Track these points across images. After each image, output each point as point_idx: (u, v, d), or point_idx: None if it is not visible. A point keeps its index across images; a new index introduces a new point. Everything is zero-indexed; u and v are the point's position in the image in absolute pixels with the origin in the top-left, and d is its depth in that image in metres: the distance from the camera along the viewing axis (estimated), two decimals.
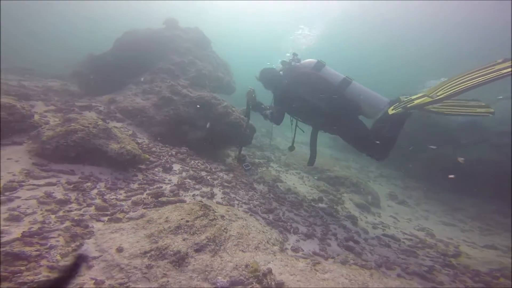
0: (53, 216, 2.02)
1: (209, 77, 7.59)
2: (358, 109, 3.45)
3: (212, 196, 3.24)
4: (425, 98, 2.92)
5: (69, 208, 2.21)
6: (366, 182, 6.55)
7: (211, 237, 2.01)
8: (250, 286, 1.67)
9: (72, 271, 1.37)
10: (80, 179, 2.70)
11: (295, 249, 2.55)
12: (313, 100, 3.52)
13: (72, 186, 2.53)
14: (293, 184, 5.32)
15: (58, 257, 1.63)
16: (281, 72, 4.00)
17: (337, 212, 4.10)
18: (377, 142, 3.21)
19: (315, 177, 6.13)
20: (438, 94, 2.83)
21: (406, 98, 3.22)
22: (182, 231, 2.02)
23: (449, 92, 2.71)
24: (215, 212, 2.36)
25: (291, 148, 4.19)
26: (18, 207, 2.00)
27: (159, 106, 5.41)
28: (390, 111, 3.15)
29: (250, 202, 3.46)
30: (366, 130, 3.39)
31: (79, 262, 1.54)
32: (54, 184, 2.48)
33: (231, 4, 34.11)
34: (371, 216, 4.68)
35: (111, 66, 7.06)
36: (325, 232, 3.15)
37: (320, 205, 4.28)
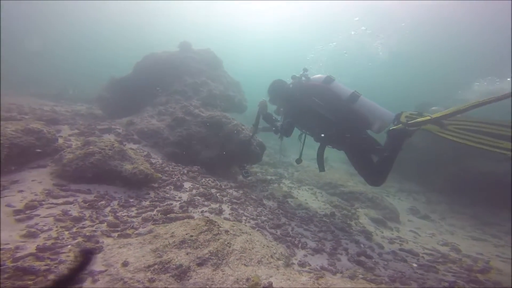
0: (66, 232, 2.16)
1: (220, 96, 7.90)
2: (366, 123, 3.49)
3: (220, 212, 3.28)
4: (427, 117, 2.89)
5: (83, 225, 2.35)
6: (383, 196, 6.27)
7: (214, 251, 2.03)
8: None
9: (81, 267, 1.42)
10: (95, 198, 2.87)
11: (301, 264, 2.49)
12: (323, 111, 3.60)
13: (87, 204, 2.70)
14: (305, 200, 5.23)
15: (66, 272, 1.73)
16: (291, 86, 4.13)
17: (350, 227, 3.95)
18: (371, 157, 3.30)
19: (328, 192, 5.99)
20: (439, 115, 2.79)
21: (411, 113, 3.17)
22: (186, 245, 2.07)
23: (449, 111, 2.68)
24: (220, 227, 2.39)
25: (298, 161, 4.19)
26: (36, 224, 2.16)
27: (172, 126, 5.70)
28: (392, 127, 3.19)
29: (258, 217, 3.45)
30: (372, 145, 3.40)
31: (88, 257, 1.60)
32: (71, 203, 2.66)
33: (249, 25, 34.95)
34: (388, 231, 4.44)
35: (132, 89, 7.63)
36: (335, 247, 3.04)
37: (332, 220, 4.15)
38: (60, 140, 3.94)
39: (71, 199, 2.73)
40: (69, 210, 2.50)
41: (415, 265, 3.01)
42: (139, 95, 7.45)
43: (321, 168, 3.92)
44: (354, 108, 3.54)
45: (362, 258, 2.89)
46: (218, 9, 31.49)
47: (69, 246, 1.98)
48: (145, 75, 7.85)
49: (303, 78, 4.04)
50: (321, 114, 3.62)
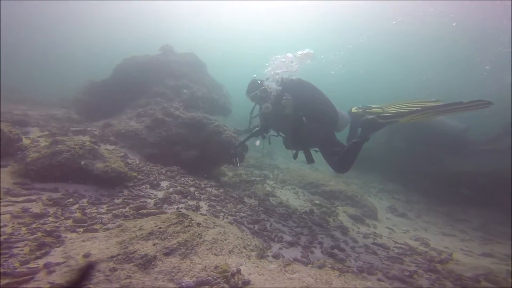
0: (24, 228, 2.04)
1: (203, 99, 7.89)
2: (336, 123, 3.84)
3: (197, 209, 3.23)
4: (379, 109, 3.60)
5: (45, 221, 2.24)
6: (363, 195, 6.42)
7: (183, 241, 2.00)
8: (217, 286, 1.63)
9: (80, 280, 1.37)
10: (62, 196, 2.75)
11: (275, 256, 2.49)
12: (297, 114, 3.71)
13: (52, 202, 2.58)
14: (287, 198, 5.25)
15: (17, 264, 1.63)
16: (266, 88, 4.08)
17: (328, 223, 4.01)
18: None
19: (310, 192, 6.06)
20: (389, 110, 3.57)
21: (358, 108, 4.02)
22: (154, 237, 2.01)
23: (396, 111, 3.43)
24: (192, 220, 2.35)
25: (295, 156, 4.10)
26: None
27: (151, 128, 5.60)
28: (353, 110, 3.79)
29: (237, 214, 3.42)
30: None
31: (88, 271, 1.53)
32: (33, 201, 2.52)
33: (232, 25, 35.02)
34: (365, 227, 4.54)
35: (111, 93, 7.44)
36: (311, 241, 3.07)
37: (311, 216, 4.19)
38: (27, 141, 3.76)
39: (34, 197, 2.59)
40: (30, 208, 2.37)
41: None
42: (119, 99, 7.28)
43: (311, 159, 3.91)
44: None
45: (335, 251, 2.93)
46: (204, 12, 31.67)
47: (25, 241, 1.88)
48: (125, 78, 7.71)
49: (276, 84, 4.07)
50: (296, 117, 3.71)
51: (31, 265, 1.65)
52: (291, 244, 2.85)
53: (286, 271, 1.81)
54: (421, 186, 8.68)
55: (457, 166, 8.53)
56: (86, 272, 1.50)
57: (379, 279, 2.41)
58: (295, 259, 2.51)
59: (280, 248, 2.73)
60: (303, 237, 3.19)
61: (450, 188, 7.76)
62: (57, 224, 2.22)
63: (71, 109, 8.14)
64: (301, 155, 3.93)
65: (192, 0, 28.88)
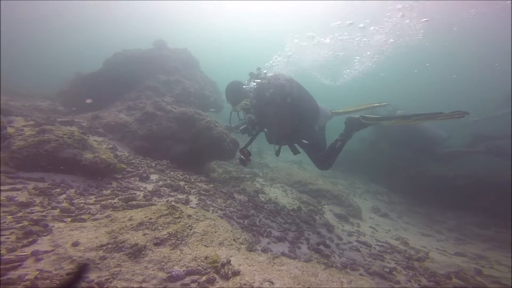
0: (9, 216, 2.00)
1: (195, 95, 7.84)
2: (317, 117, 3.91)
3: (186, 202, 3.24)
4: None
5: (31, 210, 2.20)
6: (348, 195, 6.61)
7: (173, 232, 2.02)
8: (207, 275, 1.67)
9: (74, 281, 1.36)
10: (49, 185, 2.69)
11: (264, 250, 2.55)
12: (280, 108, 3.63)
13: (38, 191, 2.52)
14: (276, 196, 5.33)
15: (3, 252, 1.61)
16: (247, 87, 4.03)
17: (315, 220, 4.12)
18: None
19: (298, 190, 6.17)
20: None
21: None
22: (144, 227, 2.03)
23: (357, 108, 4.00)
24: (182, 212, 2.38)
25: (277, 153, 4.02)
26: None
27: (142, 121, 5.52)
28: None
29: (227, 208, 3.46)
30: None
31: (82, 272, 1.50)
32: (19, 190, 2.46)
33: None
34: (349, 225, 4.69)
35: (100, 86, 7.22)
36: (298, 237, 3.15)
37: (298, 213, 4.29)
38: (11, 130, 3.63)
39: (19, 186, 2.53)
40: (16, 196, 2.31)
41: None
42: (108, 92, 7.09)
43: (296, 151, 3.99)
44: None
45: (321, 247, 3.03)
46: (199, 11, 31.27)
47: (11, 229, 1.85)
48: (114, 71, 7.52)
49: (264, 81, 3.94)
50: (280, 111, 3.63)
51: (18, 252, 1.63)
52: (279, 239, 2.92)
53: (275, 263, 1.88)
54: (403, 188, 9.05)
55: (438, 170, 8.95)
56: (78, 274, 1.47)
57: (361, 274, 2.53)
58: (283, 254, 2.59)
59: (269, 243, 2.79)
60: (291, 233, 3.27)
61: (430, 190, 8.16)
62: (44, 214, 2.18)
63: (55, 101, 7.86)
64: (288, 154, 4.00)
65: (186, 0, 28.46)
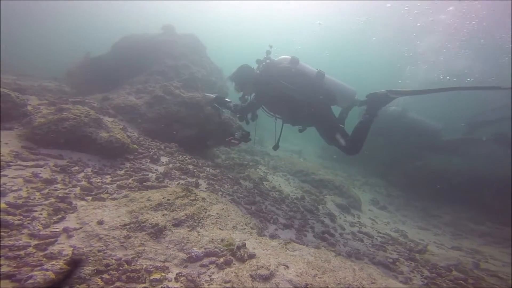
0: (38, 193, 2.10)
1: (202, 80, 7.80)
2: (334, 99, 3.64)
3: (197, 186, 3.35)
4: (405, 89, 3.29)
5: (55, 187, 2.30)
6: (349, 186, 6.76)
7: (190, 214, 2.13)
8: (224, 257, 1.79)
9: (67, 275, 1.43)
10: (67, 163, 2.78)
11: (272, 236, 2.69)
12: (293, 93, 3.58)
13: (59, 168, 2.61)
14: (279, 184, 5.47)
15: (40, 227, 1.72)
16: (257, 71, 3.97)
17: (318, 210, 4.26)
18: (342, 126, 3.40)
19: (300, 179, 6.31)
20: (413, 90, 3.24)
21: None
22: (163, 208, 2.13)
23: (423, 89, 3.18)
24: (197, 194, 2.48)
25: (276, 147, 4.11)
26: (4, 184, 2.08)
27: (151, 104, 5.55)
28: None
29: (234, 194, 3.59)
30: (339, 120, 3.62)
31: (74, 266, 1.55)
32: (41, 166, 2.55)
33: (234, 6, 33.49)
34: (350, 216, 4.85)
35: (108, 69, 7.21)
36: (303, 225, 3.30)
37: (302, 202, 4.43)
38: (29, 107, 3.68)
39: (41, 162, 2.62)
40: (40, 173, 2.41)
41: None
42: (116, 75, 7.07)
43: (278, 143, 3.95)
44: (322, 84, 3.61)
45: (326, 236, 3.18)
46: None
47: (41, 205, 1.95)
48: (123, 55, 7.46)
49: (268, 61, 3.89)
50: (291, 97, 3.58)
51: (52, 229, 1.74)
52: (286, 227, 3.06)
53: (287, 248, 2.00)
54: (401, 182, 9.23)
55: (437, 165, 9.10)
56: (72, 270, 1.44)
57: (366, 263, 2.67)
58: (291, 240, 2.72)
59: (276, 229, 2.93)
60: (296, 220, 3.41)
61: (427, 185, 8.34)
62: (66, 191, 2.28)
63: (62, 82, 7.82)
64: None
65: None
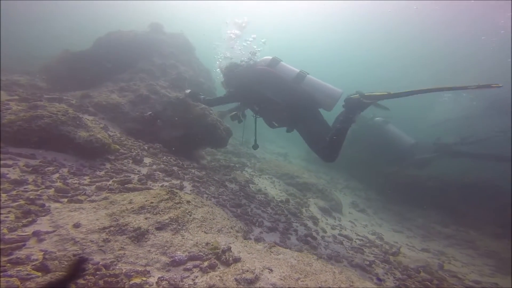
0: (4, 194, 1.95)
1: (189, 81, 7.69)
2: (314, 102, 3.46)
3: (181, 188, 3.28)
4: (383, 92, 3.01)
5: (25, 188, 2.15)
6: (331, 189, 6.92)
7: (174, 217, 2.07)
8: (208, 261, 1.76)
9: (73, 273, 1.35)
10: (40, 163, 2.62)
11: (257, 239, 2.68)
12: (271, 96, 3.51)
13: (31, 168, 2.45)
14: (265, 187, 5.48)
15: (5, 231, 1.59)
16: (238, 71, 3.94)
17: (301, 213, 4.32)
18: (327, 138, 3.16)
19: (285, 182, 6.36)
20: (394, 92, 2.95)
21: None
22: (145, 211, 2.06)
23: (401, 92, 2.89)
24: (181, 197, 2.42)
25: (255, 147, 4.06)
26: None
27: (135, 103, 5.37)
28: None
29: (220, 196, 3.54)
30: (324, 124, 3.44)
31: (81, 264, 1.47)
32: (10, 166, 2.38)
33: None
34: (332, 219, 4.97)
35: (89, 65, 6.85)
36: (287, 228, 3.32)
37: (286, 205, 4.47)
38: None
39: (9, 162, 2.44)
40: (7, 173, 2.24)
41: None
42: (98, 72, 6.75)
43: (256, 142, 3.94)
44: (300, 88, 3.45)
45: (309, 239, 3.23)
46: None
47: (8, 208, 1.81)
48: (106, 51, 7.15)
49: (251, 62, 3.86)
50: (270, 99, 3.49)
51: (19, 232, 1.62)
52: (271, 229, 3.06)
53: (272, 252, 2.00)
54: (379, 186, 9.61)
55: (411, 171, 9.58)
56: (77, 267, 1.44)
57: (345, 266, 2.74)
58: (275, 243, 2.72)
59: (261, 232, 2.92)
60: (281, 223, 3.43)
61: (403, 190, 8.75)
62: (38, 193, 2.14)
63: (35, 77, 7.35)
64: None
65: None
